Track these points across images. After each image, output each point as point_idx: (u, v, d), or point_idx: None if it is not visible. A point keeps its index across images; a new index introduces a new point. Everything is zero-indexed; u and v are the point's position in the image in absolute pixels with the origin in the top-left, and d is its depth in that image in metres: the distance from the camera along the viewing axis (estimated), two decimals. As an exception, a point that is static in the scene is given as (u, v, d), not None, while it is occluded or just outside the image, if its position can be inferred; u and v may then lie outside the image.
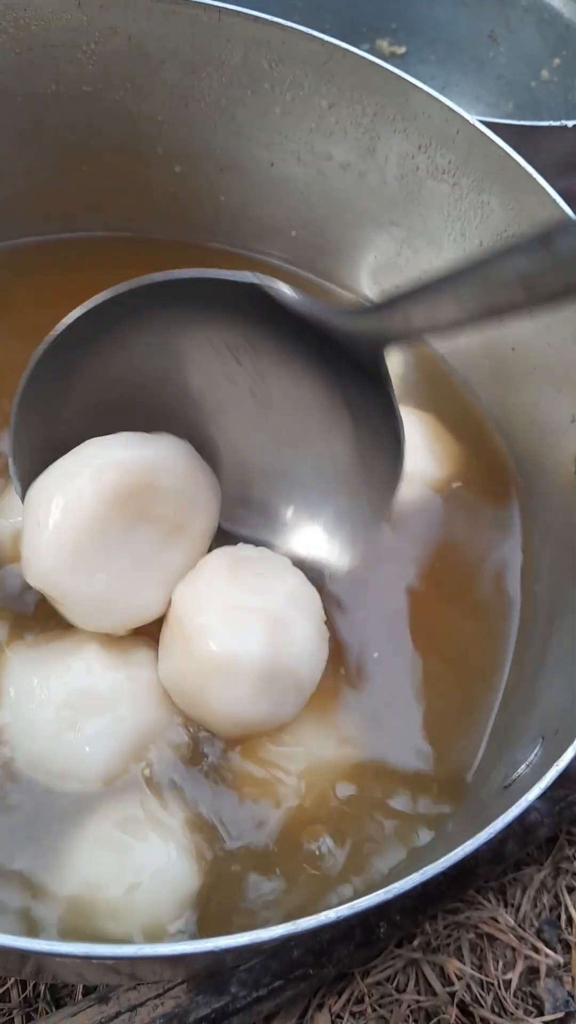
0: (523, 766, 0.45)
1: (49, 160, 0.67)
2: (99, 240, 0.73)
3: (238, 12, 0.59)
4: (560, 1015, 0.61)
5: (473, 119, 0.58)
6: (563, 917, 0.65)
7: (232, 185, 0.70)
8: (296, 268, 0.73)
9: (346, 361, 0.48)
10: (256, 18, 0.59)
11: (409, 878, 0.35)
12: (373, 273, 0.71)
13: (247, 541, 0.53)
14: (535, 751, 0.45)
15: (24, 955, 0.35)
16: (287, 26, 0.60)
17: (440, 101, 0.58)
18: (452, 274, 0.38)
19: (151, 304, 0.48)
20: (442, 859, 0.36)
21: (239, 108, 0.65)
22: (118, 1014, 0.53)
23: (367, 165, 0.65)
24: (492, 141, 0.57)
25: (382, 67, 0.59)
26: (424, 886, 0.60)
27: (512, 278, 0.36)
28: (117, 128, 0.66)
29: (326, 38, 0.59)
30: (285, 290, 0.47)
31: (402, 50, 0.94)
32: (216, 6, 0.59)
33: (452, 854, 0.36)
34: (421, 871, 0.35)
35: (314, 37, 0.59)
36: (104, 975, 0.49)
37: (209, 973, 0.54)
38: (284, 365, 0.50)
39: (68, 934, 0.43)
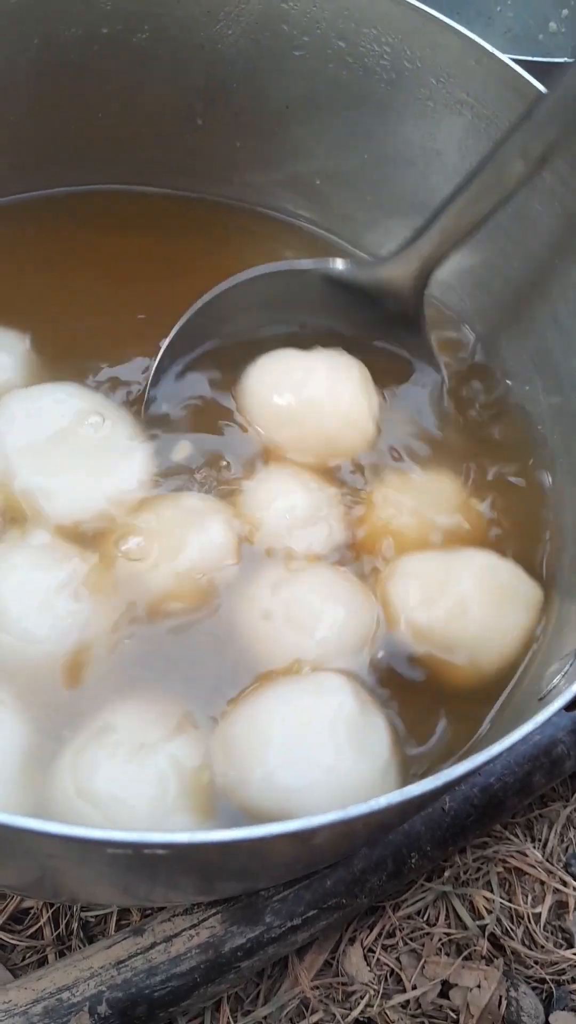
0: (557, 677, 0.45)
1: (63, 109, 0.67)
2: (111, 193, 0.73)
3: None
4: (590, 946, 0.62)
5: (493, 49, 0.58)
6: (590, 852, 0.65)
7: (248, 131, 0.69)
8: (320, 230, 0.73)
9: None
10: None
11: (460, 765, 0.34)
12: (391, 224, 0.71)
13: None
14: (569, 663, 0.45)
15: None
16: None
17: (460, 31, 0.58)
18: (461, 184, 0.49)
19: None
20: (481, 753, 0.36)
21: (256, 50, 0.64)
22: (153, 945, 0.53)
23: (387, 100, 0.65)
24: (511, 69, 0.57)
25: (403, 2, 0.59)
26: (454, 815, 0.60)
27: (508, 157, 0.53)
28: (133, 72, 0.66)
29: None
30: (340, 265, 0.63)
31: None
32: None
33: (490, 748, 0.36)
34: (471, 759, 0.35)
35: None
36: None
37: (245, 904, 0.54)
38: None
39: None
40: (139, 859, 0.37)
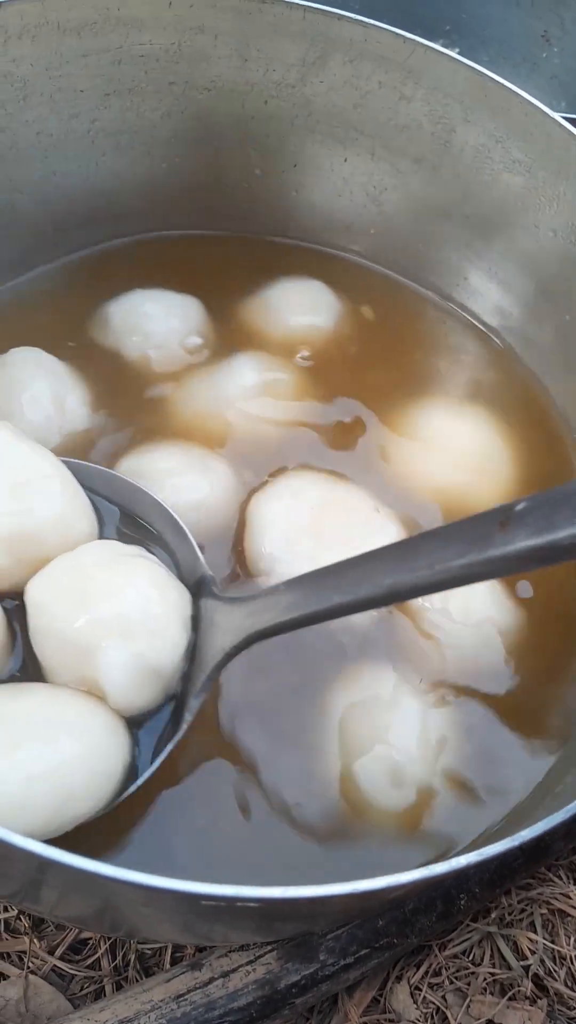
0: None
1: (134, 159, 0.69)
2: (168, 240, 0.75)
3: (321, 10, 0.61)
4: (633, 989, 0.63)
5: (553, 113, 0.59)
6: (632, 895, 0.66)
7: (306, 180, 0.72)
8: (377, 265, 0.75)
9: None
10: (339, 16, 0.61)
11: (550, 818, 0.36)
12: (452, 267, 0.72)
13: None
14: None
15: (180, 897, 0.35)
16: (368, 23, 0.61)
17: (520, 95, 0.60)
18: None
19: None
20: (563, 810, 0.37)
21: (316, 103, 0.67)
22: (211, 980, 0.54)
23: (441, 159, 0.67)
24: (572, 134, 0.59)
25: (463, 63, 0.61)
26: (502, 858, 0.62)
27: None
28: (197, 124, 0.68)
29: (408, 35, 0.61)
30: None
31: (455, 52, 0.95)
32: (301, 4, 0.61)
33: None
34: (557, 815, 0.36)
35: (396, 34, 0.61)
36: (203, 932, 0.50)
37: (300, 942, 0.55)
38: None
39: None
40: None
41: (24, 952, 0.58)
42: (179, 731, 0.48)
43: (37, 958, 0.58)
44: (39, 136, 0.65)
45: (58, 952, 0.58)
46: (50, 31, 0.59)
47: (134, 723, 0.49)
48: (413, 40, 0.61)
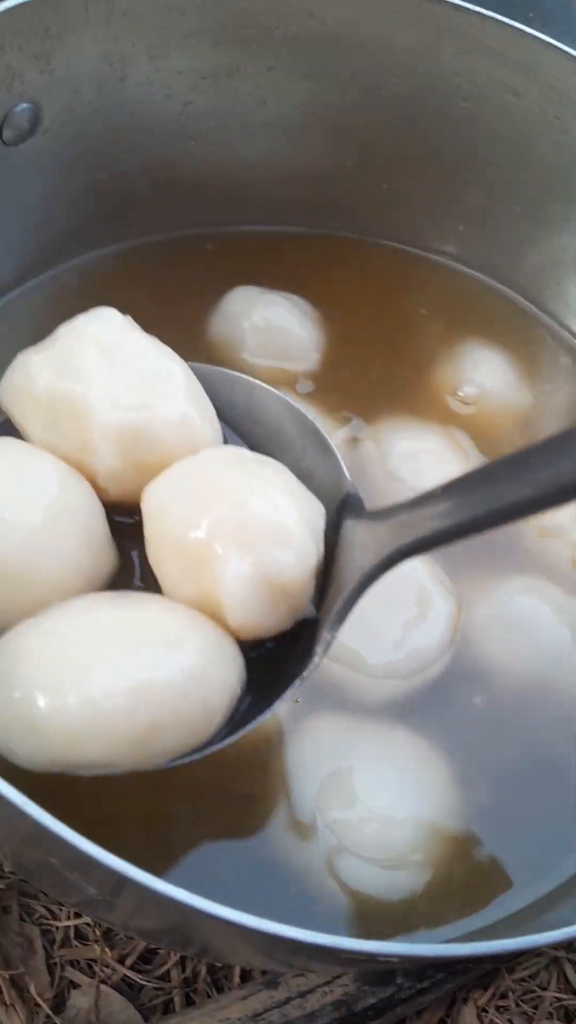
0: None
1: (222, 146, 0.67)
2: (256, 234, 0.73)
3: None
4: None
5: None
6: None
7: (397, 174, 0.69)
8: (469, 269, 0.73)
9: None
10: (456, 5, 0.58)
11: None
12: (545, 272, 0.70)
13: None
14: None
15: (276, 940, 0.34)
16: (486, 15, 0.59)
17: None
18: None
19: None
20: None
21: (418, 95, 0.64)
22: (288, 1000, 0.54)
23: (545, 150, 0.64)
24: None
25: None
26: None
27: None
28: (292, 112, 0.65)
29: (527, 29, 0.58)
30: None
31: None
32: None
33: None
34: None
35: (515, 28, 0.58)
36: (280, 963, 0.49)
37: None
38: None
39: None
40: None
41: (94, 960, 0.57)
42: (308, 667, 0.44)
43: (108, 967, 0.57)
44: (132, 117, 0.63)
45: (128, 961, 0.57)
46: (157, 8, 0.57)
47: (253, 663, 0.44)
48: (532, 35, 0.58)
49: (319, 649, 0.43)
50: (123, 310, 0.48)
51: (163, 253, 0.70)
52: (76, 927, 0.58)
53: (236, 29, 0.60)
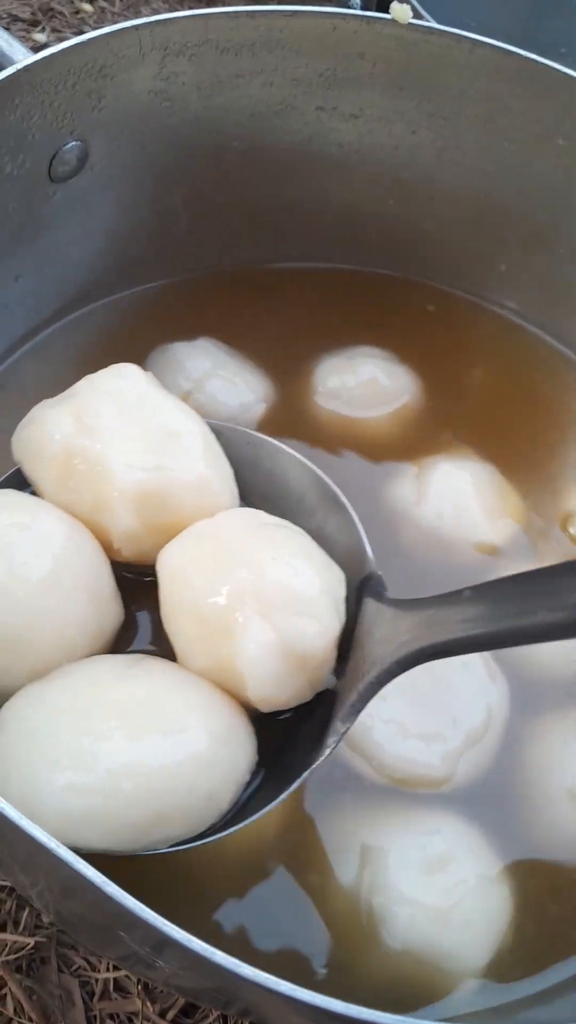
0: None
1: (261, 184, 0.67)
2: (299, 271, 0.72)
3: (492, 44, 0.58)
4: None
5: None
6: None
7: (440, 214, 0.69)
8: (526, 323, 0.72)
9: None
10: (508, 51, 0.58)
11: None
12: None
13: None
14: None
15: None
16: (537, 60, 0.58)
17: None
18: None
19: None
20: None
21: (465, 135, 0.64)
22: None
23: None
24: None
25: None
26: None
27: None
28: (337, 152, 0.65)
29: (564, 69, 0.58)
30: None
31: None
32: (469, 37, 0.58)
33: None
34: None
35: (553, 69, 0.58)
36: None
37: None
38: None
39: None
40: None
41: (135, 1014, 0.55)
42: (319, 757, 0.42)
43: (148, 1020, 0.55)
44: (177, 154, 0.62)
45: (170, 1015, 0.56)
46: (209, 50, 0.56)
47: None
48: (567, 75, 0.58)
49: (331, 741, 0.42)
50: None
51: (199, 289, 0.70)
52: (115, 979, 0.56)
53: (285, 69, 0.60)
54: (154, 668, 0.42)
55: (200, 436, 0.47)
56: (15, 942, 0.54)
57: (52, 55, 0.51)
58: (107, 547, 0.46)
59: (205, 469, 0.46)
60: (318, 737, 0.43)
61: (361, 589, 0.45)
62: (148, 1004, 0.56)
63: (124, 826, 0.38)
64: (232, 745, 0.41)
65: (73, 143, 0.57)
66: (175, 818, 0.39)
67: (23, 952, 0.54)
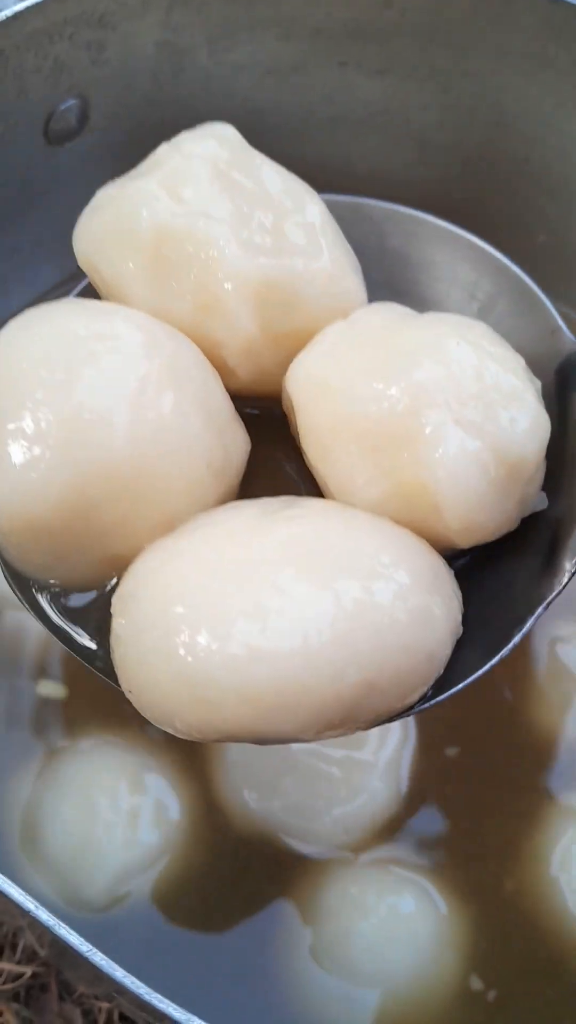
0: None
1: (284, 144, 0.61)
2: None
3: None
4: None
5: None
6: None
7: (474, 180, 0.63)
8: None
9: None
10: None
11: None
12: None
13: None
14: None
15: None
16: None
17: None
18: None
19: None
20: None
21: (503, 94, 0.58)
22: None
23: None
24: None
25: None
26: None
27: None
28: (359, 108, 0.60)
29: None
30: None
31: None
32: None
33: None
34: None
35: None
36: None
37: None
38: None
39: None
40: None
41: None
42: (554, 585, 0.33)
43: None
44: (186, 114, 0.57)
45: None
46: (219, -1, 0.51)
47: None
48: None
49: (568, 565, 0.32)
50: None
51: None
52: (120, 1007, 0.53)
53: (304, 19, 0.54)
54: (313, 507, 0.33)
55: (320, 213, 0.38)
56: (10, 971, 0.51)
57: (45, 1, 0.46)
58: (220, 370, 0.36)
59: (336, 253, 0.37)
60: (532, 576, 0.34)
61: (562, 377, 0.35)
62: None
63: (324, 702, 0.28)
64: (443, 588, 0.32)
65: (71, 101, 0.52)
66: (387, 691, 0.29)
67: (20, 981, 0.51)
